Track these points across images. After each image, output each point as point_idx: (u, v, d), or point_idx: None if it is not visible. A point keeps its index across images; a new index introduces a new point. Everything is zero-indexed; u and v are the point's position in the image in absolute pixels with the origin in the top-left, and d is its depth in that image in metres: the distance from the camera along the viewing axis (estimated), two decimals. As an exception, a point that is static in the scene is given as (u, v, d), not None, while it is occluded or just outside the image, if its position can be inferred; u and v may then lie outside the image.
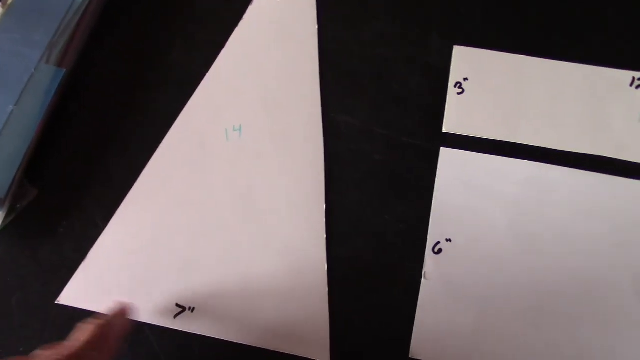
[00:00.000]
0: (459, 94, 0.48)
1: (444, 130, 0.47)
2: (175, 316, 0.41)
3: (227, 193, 0.45)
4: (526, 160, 0.45)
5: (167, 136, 0.47)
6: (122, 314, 0.36)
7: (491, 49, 0.50)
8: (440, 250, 0.43)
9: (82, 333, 0.33)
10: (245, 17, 0.52)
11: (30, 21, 0.49)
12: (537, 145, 0.46)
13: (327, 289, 0.42)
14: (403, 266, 0.42)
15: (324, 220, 0.43)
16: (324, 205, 0.44)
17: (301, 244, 0.43)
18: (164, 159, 0.46)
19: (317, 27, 0.51)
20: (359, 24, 0.51)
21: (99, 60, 0.50)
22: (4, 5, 0.50)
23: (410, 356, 0.40)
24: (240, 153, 0.46)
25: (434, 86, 0.49)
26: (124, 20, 0.52)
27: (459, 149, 0.46)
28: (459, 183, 0.45)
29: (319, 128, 0.47)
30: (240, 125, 0.47)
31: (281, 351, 0.40)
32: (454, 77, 0.49)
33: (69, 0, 0.50)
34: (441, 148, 0.46)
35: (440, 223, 0.43)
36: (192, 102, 0.48)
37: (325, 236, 0.43)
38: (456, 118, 0.47)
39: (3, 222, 0.43)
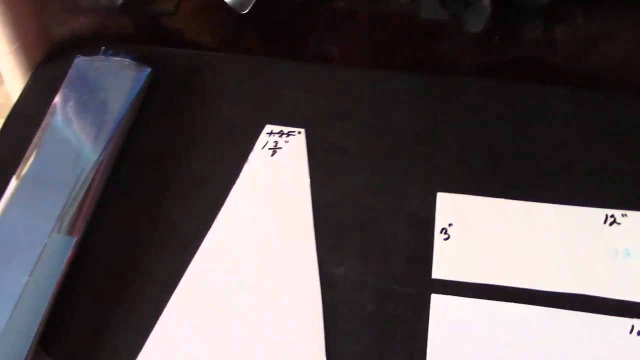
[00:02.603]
0: (445, 239, 0.51)
1: (434, 276, 0.49)
2: None
3: (230, 350, 0.47)
4: (513, 303, 0.48)
5: (172, 298, 0.49)
6: None
7: (472, 194, 0.54)
8: (437, 399, 0.44)
9: None
10: (242, 175, 0.55)
11: (42, 193, 0.53)
12: (523, 287, 0.49)
13: None
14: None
15: (325, 375, 0.45)
16: (325, 359, 0.46)
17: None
18: (171, 322, 0.48)
19: (309, 181, 0.55)
20: (345, 176, 0.55)
21: (105, 225, 0.53)
22: (17, 177, 0.54)
23: None
24: (243, 309, 0.48)
25: (420, 233, 0.52)
26: (127, 184, 0.56)
27: (449, 294, 0.49)
28: (452, 328, 0.47)
29: (316, 281, 0.50)
30: (242, 281, 0.50)
31: None
32: (439, 223, 0.52)
33: (77, 172, 0.54)
34: (432, 295, 0.49)
35: (436, 372, 0.45)
36: (194, 263, 0.51)
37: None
38: (444, 264, 0.50)
39: (18, 393, 0.45)
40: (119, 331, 0.48)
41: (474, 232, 0.51)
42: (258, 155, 0.56)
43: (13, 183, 0.53)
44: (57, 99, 0.58)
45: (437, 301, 0.48)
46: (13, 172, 0.54)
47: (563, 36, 0.67)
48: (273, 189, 0.54)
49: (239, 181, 0.55)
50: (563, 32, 0.67)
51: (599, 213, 0.52)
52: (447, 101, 0.60)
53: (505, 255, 0.50)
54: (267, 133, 0.58)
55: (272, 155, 0.56)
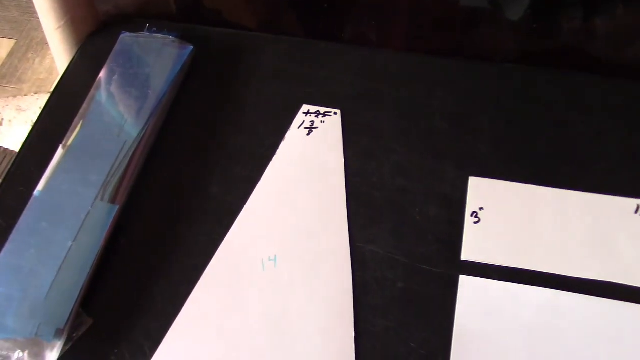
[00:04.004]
0: (475, 223, 0.52)
1: (463, 258, 0.50)
2: None
3: (261, 322, 0.48)
4: (540, 288, 0.49)
5: (207, 268, 0.51)
6: None
7: (504, 179, 0.54)
8: (462, 376, 0.46)
9: None
10: (278, 152, 0.57)
11: (86, 162, 0.55)
12: (550, 272, 0.49)
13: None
14: (428, 392, 0.45)
15: (354, 347, 0.47)
16: (353, 333, 0.47)
17: (332, 370, 0.46)
18: (205, 291, 0.50)
19: (343, 160, 0.56)
20: (379, 156, 0.56)
21: (145, 196, 0.55)
22: (64, 146, 0.56)
23: None
24: (275, 283, 0.50)
25: (451, 215, 0.53)
26: (167, 158, 0.58)
27: (477, 276, 0.50)
28: (479, 310, 0.48)
29: (347, 257, 0.51)
30: (275, 255, 0.51)
31: None
32: (470, 206, 0.53)
33: (121, 143, 0.56)
34: (460, 276, 0.50)
35: (462, 350, 0.46)
36: (230, 235, 0.52)
37: (354, 362, 0.46)
38: (473, 246, 0.51)
39: (60, 351, 0.47)
40: (156, 297, 0.50)
41: (504, 216, 0.52)
42: (294, 134, 0.58)
43: (60, 152, 0.55)
44: (103, 74, 0.60)
45: (466, 282, 0.49)
46: (60, 141, 0.56)
47: (602, 26, 0.66)
48: (308, 167, 0.56)
49: (275, 158, 0.56)
50: (602, 22, 0.66)
51: (631, 203, 0.52)
52: (484, 87, 0.60)
53: (534, 240, 0.51)
54: (304, 113, 0.59)
55: (308, 134, 0.58)
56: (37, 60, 1.55)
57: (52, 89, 0.63)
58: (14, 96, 1.49)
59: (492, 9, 0.66)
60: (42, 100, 1.45)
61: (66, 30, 0.63)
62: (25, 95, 1.49)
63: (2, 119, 1.46)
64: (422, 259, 0.51)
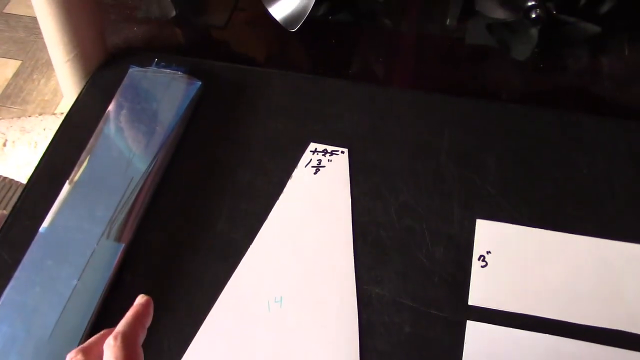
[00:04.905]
0: (482, 267, 0.52)
1: (470, 303, 0.50)
2: None
3: (268, 363, 0.48)
4: (546, 335, 0.48)
5: (213, 308, 0.51)
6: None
7: (511, 222, 0.54)
8: None
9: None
10: (285, 190, 0.57)
11: (93, 197, 0.55)
12: (557, 318, 0.49)
13: None
14: None
15: (359, 393, 0.46)
16: (359, 378, 0.47)
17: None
18: (211, 332, 0.50)
19: (350, 200, 0.56)
20: (386, 196, 0.56)
21: (151, 231, 0.55)
22: (70, 182, 0.56)
23: None
24: (281, 324, 0.50)
25: (458, 257, 0.53)
26: (174, 194, 0.58)
27: (484, 321, 0.49)
28: (485, 356, 0.48)
29: (354, 299, 0.51)
30: (282, 296, 0.51)
31: None
32: (477, 250, 0.53)
33: (128, 179, 0.56)
34: (467, 322, 0.49)
35: (469, 398, 0.46)
36: (236, 274, 0.52)
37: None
38: (481, 291, 0.51)
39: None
40: (161, 336, 0.50)
41: (511, 260, 0.52)
42: (301, 172, 0.58)
43: (66, 187, 0.55)
44: (111, 107, 0.61)
45: (473, 328, 0.49)
46: (67, 175, 0.56)
47: (609, 66, 0.67)
48: (315, 206, 0.56)
49: (282, 196, 0.56)
50: (609, 63, 0.67)
51: (638, 249, 0.52)
52: (490, 126, 0.61)
53: (541, 286, 0.51)
54: (311, 151, 0.59)
55: (315, 173, 0.58)
56: (42, 81, 1.55)
57: (59, 116, 0.63)
58: (18, 117, 1.50)
59: (498, 48, 0.67)
60: (46, 121, 1.45)
61: (75, 63, 0.63)
62: (30, 116, 1.49)
63: (6, 140, 1.46)
64: (429, 303, 0.50)
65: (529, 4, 0.60)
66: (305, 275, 0.52)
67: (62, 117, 0.62)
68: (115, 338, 0.36)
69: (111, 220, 0.54)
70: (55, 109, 1.48)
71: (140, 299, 0.41)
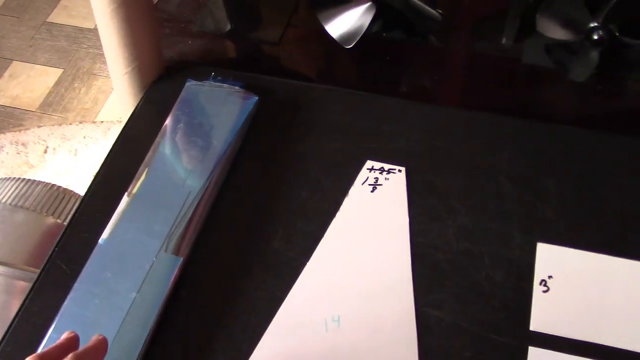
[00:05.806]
0: (544, 291, 0.51)
1: (532, 328, 0.49)
2: None
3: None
4: (613, 364, 0.47)
5: (269, 326, 0.50)
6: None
7: (572, 246, 0.53)
8: None
9: None
10: (342, 208, 0.57)
11: (151, 211, 0.55)
12: (621, 347, 0.48)
13: None
14: None
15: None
16: (419, 403, 0.46)
17: None
18: (268, 351, 0.49)
19: (408, 219, 0.55)
20: (444, 217, 0.56)
21: (207, 248, 0.55)
22: (129, 194, 0.56)
23: None
24: (339, 344, 0.49)
25: (518, 282, 0.52)
26: (230, 210, 0.57)
27: (546, 348, 0.48)
28: (548, 384, 0.47)
29: (413, 322, 0.50)
30: (339, 316, 0.51)
31: None
32: (538, 274, 0.52)
33: (185, 194, 0.56)
34: (529, 347, 0.48)
35: None
36: (292, 292, 0.52)
37: None
38: (543, 317, 0.50)
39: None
40: (218, 354, 0.50)
41: (574, 286, 0.51)
42: (358, 190, 0.57)
43: (125, 200, 0.56)
44: (168, 121, 0.61)
45: (535, 355, 0.48)
46: (124, 188, 0.56)
47: (669, 90, 0.65)
48: (372, 225, 0.55)
49: (338, 214, 0.56)
50: (669, 86, 0.66)
51: None
52: (549, 148, 0.60)
53: (604, 313, 0.50)
54: (368, 169, 0.59)
55: (372, 191, 0.57)
56: (82, 89, 1.57)
57: (99, 124, 0.64)
58: (59, 124, 1.52)
59: (555, 69, 0.66)
60: (86, 129, 1.47)
61: (133, 76, 0.64)
62: (70, 124, 1.51)
63: (47, 147, 1.48)
64: (490, 328, 0.50)
65: (592, 25, 0.60)
66: (363, 295, 0.52)
67: (101, 126, 0.63)
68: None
69: (169, 233, 0.54)
70: (95, 117, 1.50)
71: (98, 336, 0.43)
